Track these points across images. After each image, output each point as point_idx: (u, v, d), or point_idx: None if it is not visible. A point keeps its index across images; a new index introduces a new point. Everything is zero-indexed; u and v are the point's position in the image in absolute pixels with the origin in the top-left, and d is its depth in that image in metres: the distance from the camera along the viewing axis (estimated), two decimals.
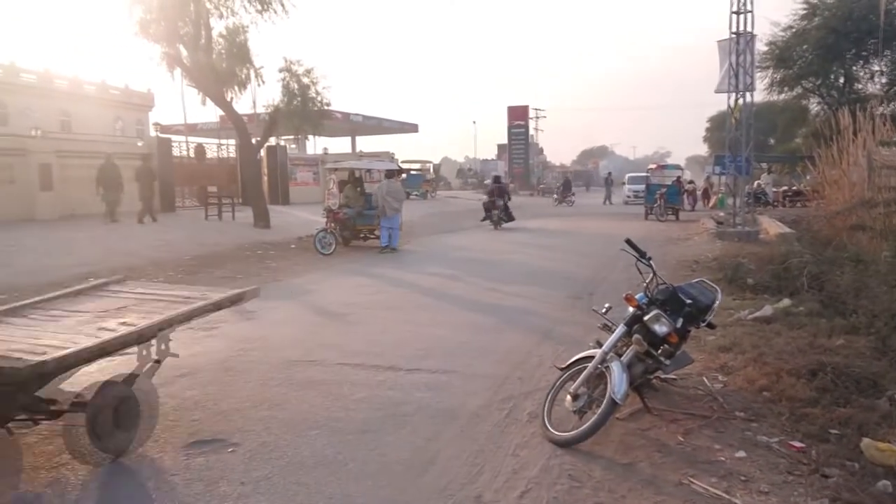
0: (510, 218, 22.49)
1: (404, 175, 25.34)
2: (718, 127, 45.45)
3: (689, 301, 4.61)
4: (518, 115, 63.30)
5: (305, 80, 19.57)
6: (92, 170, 19.85)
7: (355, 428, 4.53)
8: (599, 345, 4.69)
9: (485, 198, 23.68)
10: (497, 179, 25.13)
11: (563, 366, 4.83)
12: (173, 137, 25.06)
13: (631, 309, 4.61)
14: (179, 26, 17.57)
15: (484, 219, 22.66)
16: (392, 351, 6.57)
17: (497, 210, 22.15)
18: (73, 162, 19.33)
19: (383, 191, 15.66)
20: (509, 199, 23.08)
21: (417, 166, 43.47)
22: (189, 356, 6.40)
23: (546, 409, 4.60)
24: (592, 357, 4.55)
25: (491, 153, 76.80)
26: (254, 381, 5.59)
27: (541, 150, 74.29)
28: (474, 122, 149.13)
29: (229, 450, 4.18)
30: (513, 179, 59.14)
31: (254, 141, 20.18)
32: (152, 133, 34.31)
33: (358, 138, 47.16)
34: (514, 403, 5.08)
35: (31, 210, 17.59)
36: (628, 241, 4.90)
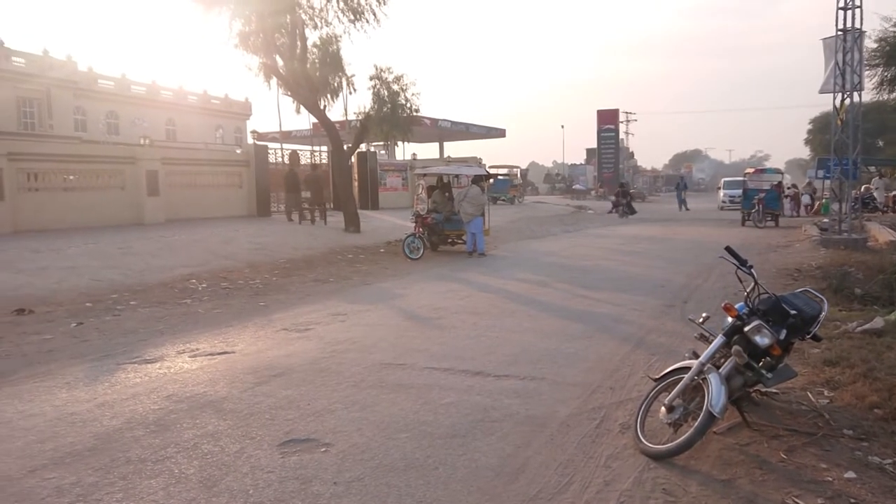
0: (633, 211, 31.41)
1: (492, 180, 25.30)
2: (822, 129, 43.28)
3: (793, 312, 4.39)
4: (608, 119, 62.27)
5: (395, 87, 19.88)
6: (194, 176, 20.91)
7: (444, 432, 4.55)
8: (696, 355, 4.53)
9: (574, 202, 25.00)
10: (623, 185, 34.84)
11: (657, 376, 4.69)
12: (269, 144, 25.96)
13: (730, 319, 4.43)
14: (276, 38, 18.22)
15: (611, 211, 32.46)
16: (480, 356, 6.57)
17: (622, 206, 31.28)
18: (177, 168, 20.35)
19: (461, 196, 15.74)
20: (632, 198, 32.65)
21: (505, 171, 43.38)
22: (283, 356, 6.62)
23: (639, 420, 4.48)
24: (688, 368, 4.40)
25: (579, 158, 75.87)
26: (345, 382, 5.70)
27: (631, 154, 72.81)
28: (562, 127, 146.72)
29: (322, 449, 4.27)
30: (601, 184, 58.22)
31: (345, 147, 20.66)
32: (250, 140, 35.64)
33: (446, 143, 47.54)
34: (605, 413, 4.98)
35: (140, 214, 18.61)
36: (728, 249, 4.72)
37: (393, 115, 19.83)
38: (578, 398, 5.30)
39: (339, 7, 17.94)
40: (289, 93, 20.02)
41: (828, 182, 22.38)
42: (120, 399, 5.33)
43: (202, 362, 6.51)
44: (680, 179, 43.22)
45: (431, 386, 5.58)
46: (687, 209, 35.70)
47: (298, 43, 18.52)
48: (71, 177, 17.94)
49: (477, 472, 3.95)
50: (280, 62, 18.88)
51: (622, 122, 65.69)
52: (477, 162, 34.70)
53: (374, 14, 18.13)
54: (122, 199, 18.57)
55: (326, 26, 18.51)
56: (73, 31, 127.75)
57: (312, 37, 19.07)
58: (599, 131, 62.14)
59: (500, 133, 47.17)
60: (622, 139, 65.81)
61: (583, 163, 69.58)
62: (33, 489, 3.74)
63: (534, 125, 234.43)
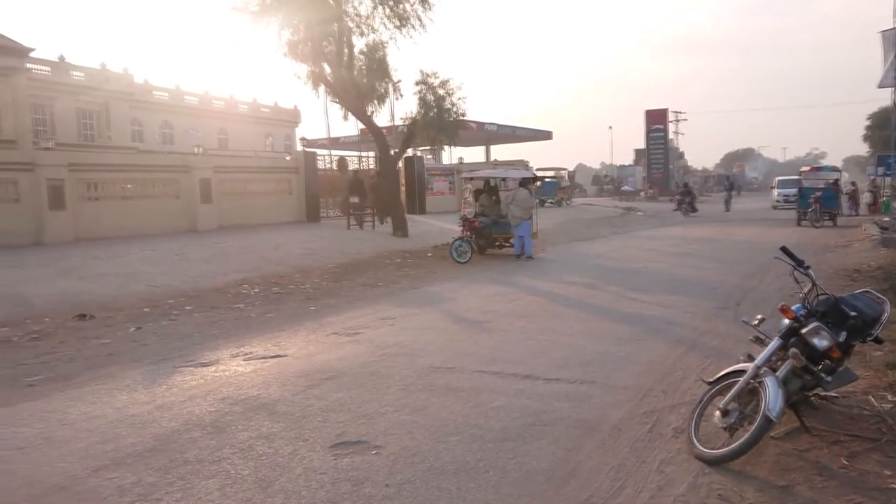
0: (694, 209, 32.50)
1: (539, 183, 25.19)
2: (881, 125, 41.86)
3: (853, 313, 4.25)
4: (657, 119, 61.40)
5: (441, 92, 19.93)
6: (245, 183, 21.35)
7: (495, 436, 4.54)
8: (751, 358, 4.43)
9: (623, 203, 24.50)
10: (686, 184, 37.16)
11: (711, 380, 4.60)
12: (318, 151, 26.34)
13: (787, 321, 4.32)
14: (324, 46, 18.47)
15: (675, 209, 33.48)
16: (530, 360, 6.54)
17: (685, 204, 32.58)
18: (228, 176, 20.81)
19: (509, 199, 15.71)
20: (694, 197, 34.17)
21: (552, 174, 43.10)
22: (334, 360, 6.71)
23: (693, 424, 4.40)
24: (743, 371, 4.30)
25: (628, 159, 74.94)
26: (395, 385, 5.74)
27: (681, 155, 71.58)
28: (610, 128, 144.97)
29: (373, 452, 4.31)
30: (651, 185, 57.39)
31: (392, 152, 20.82)
32: (299, 147, 36.21)
33: (492, 147, 47.48)
34: (658, 417, 4.91)
35: (194, 222, 19.07)
36: (784, 249, 4.60)
37: (439, 120, 19.89)
38: (630, 402, 5.24)
39: (385, 14, 18.10)
40: (336, 100, 20.26)
41: (888, 179, 21.64)
42: (177, 401, 5.48)
43: (255, 366, 6.64)
44: (726, 179, 42.27)
45: (481, 389, 5.58)
46: (727, 210, 34.82)
47: (345, 50, 18.74)
48: (128, 186, 18.51)
49: (528, 475, 3.93)
50: (328, 70, 19.13)
51: (671, 122, 64.68)
52: (524, 165, 34.61)
53: (420, 20, 18.24)
54: (177, 206, 19.06)
55: (373, 33, 18.70)
56: (130, 45, 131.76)
57: (359, 44, 19.27)
58: (648, 131, 61.33)
59: (546, 135, 46.90)
60: (671, 139, 64.77)
61: (631, 164, 68.68)
62: (96, 488, 3.86)
63: (581, 127, 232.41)
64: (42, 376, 6.51)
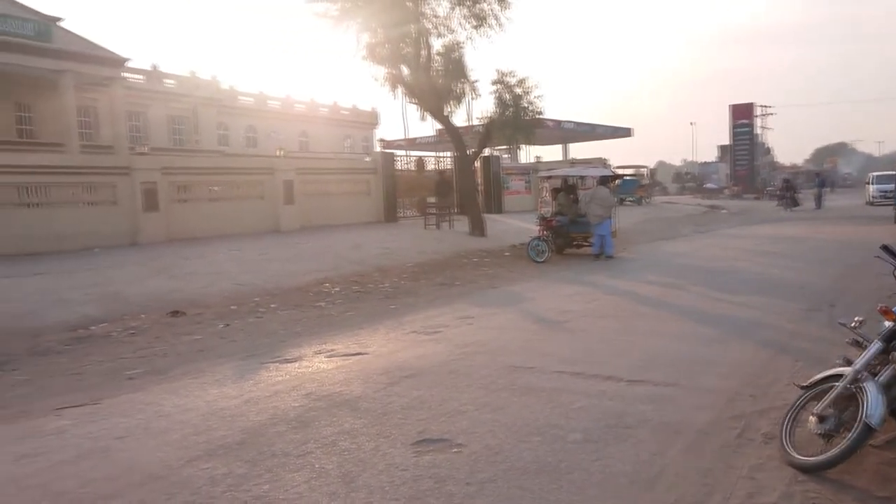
0: (796, 203, 33.75)
1: (618, 181, 24.74)
2: None
3: None
4: (742, 114, 59.30)
5: (518, 91, 19.84)
6: (325, 184, 21.84)
7: (577, 437, 4.49)
8: (847, 362, 4.22)
9: (706, 201, 24.36)
10: (787, 180, 37.74)
11: (805, 384, 4.41)
12: (396, 152, 26.67)
13: (888, 323, 4.09)
14: (401, 47, 18.69)
15: (778, 204, 35.00)
16: (611, 360, 6.43)
17: (787, 198, 33.93)
18: (309, 178, 21.33)
19: (588, 197, 15.49)
20: (796, 191, 35.35)
21: (631, 171, 42.28)
22: (414, 358, 6.77)
23: (786, 430, 4.22)
24: (840, 376, 4.10)
25: (711, 155, 72.66)
26: (475, 384, 5.76)
27: (768, 150, 68.85)
28: (692, 124, 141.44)
29: (454, 450, 4.33)
30: (735, 182, 55.52)
31: (469, 152, 20.88)
32: (377, 148, 36.77)
33: (570, 145, 46.96)
34: (747, 422, 4.74)
35: (277, 222, 19.65)
36: (884, 247, 4.37)
37: (516, 119, 19.81)
38: (716, 405, 5.08)
39: (462, 14, 18.19)
40: (414, 101, 20.48)
41: None
42: (264, 396, 5.65)
43: (338, 362, 6.78)
44: (816, 176, 40.49)
45: (562, 390, 5.53)
46: (818, 207, 33.32)
47: (423, 52, 18.91)
48: (215, 188, 19.23)
49: (611, 478, 3.87)
50: (405, 71, 19.35)
51: (757, 117, 62.22)
52: (602, 163, 34.05)
53: (498, 19, 18.24)
54: (261, 207, 19.68)
55: (450, 34, 18.81)
56: (217, 52, 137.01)
57: (436, 45, 19.43)
58: (733, 127, 59.34)
59: (626, 132, 46.03)
60: (758, 134, 62.35)
61: (715, 160, 66.57)
62: (190, 478, 4.03)
63: (662, 123, 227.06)
64: (140, 370, 6.85)
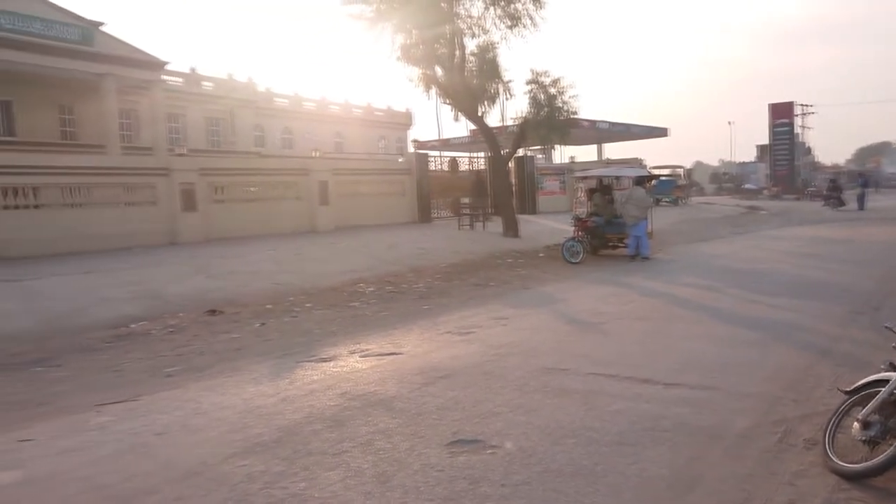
0: (842, 203, 33.47)
1: (654, 182, 24.45)
2: None
3: None
4: (782, 113, 58.13)
5: (552, 91, 19.74)
6: (360, 185, 21.99)
7: (612, 440, 4.45)
8: (893, 367, 4.11)
9: (745, 202, 23.96)
10: (833, 180, 37.52)
11: (849, 389, 4.30)
12: (429, 153, 26.73)
13: None
14: (436, 48, 18.72)
15: (824, 204, 34.58)
16: (647, 363, 6.36)
17: (833, 199, 33.90)
18: (344, 178, 21.50)
19: (624, 198, 15.34)
20: (842, 191, 35.11)
21: (668, 172, 41.75)
22: (448, 358, 6.77)
23: (828, 435, 4.13)
24: (886, 381, 3.99)
25: (749, 155, 71.43)
26: (509, 385, 5.73)
27: (808, 150, 67.42)
28: (730, 123, 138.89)
29: (488, 451, 4.32)
30: (775, 183, 54.51)
31: (503, 152, 20.83)
32: (411, 149, 36.88)
33: (605, 145, 46.56)
34: (788, 427, 4.64)
35: (312, 223, 19.84)
36: None
37: (550, 119, 19.71)
38: (756, 410, 4.99)
39: (496, 14, 18.16)
40: (448, 101, 20.50)
41: None
42: (300, 395, 5.70)
43: (372, 362, 6.81)
44: (859, 176, 39.56)
45: (597, 392, 5.48)
46: (861, 208, 32.46)
47: (457, 52, 18.92)
48: (252, 188, 19.50)
49: (648, 482, 3.82)
50: (439, 72, 19.38)
51: (798, 116, 60.95)
52: (638, 163, 33.73)
53: (532, 19, 18.17)
54: (297, 208, 19.89)
55: (484, 34, 18.79)
56: (254, 54, 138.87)
57: (470, 45, 19.43)
58: (772, 126, 58.19)
59: (662, 132, 45.45)
60: (798, 134, 61.09)
61: (754, 160, 65.40)
62: (228, 475, 4.08)
63: (698, 123, 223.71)
64: (179, 367, 6.97)
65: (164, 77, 33.55)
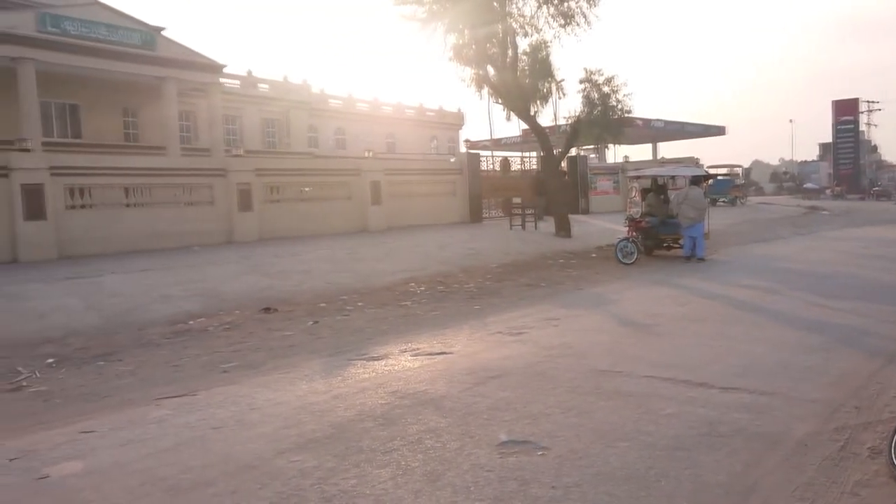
0: None
1: (710, 181, 23.94)
2: None
3: None
4: (846, 110, 56.30)
5: (606, 90, 19.52)
6: (412, 185, 22.11)
7: (666, 444, 4.36)
8: None
9: (806, 202, 23.29)
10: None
11: None
12: (481, 152, 26.70)
13: None
14: (488, 48, 18.71)
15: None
16: (703, 366, 6.21)
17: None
18: (396, 179, 21.65)
19: (679, 198, 15.03)
20: None
21: (725, 171, 40.83)
22: (498, 359, 6.75)
23: (893, 445, 3.97)
24: None
25: (811, 154, 69.29)
26: (561, 387, 5.68)
27: (874, 148, 65.09)
28: (791, 121, 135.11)
29: (539, 453, 4.28)
30: (838, 182, 52.79)
31: (555, 152, 20.67)
32: (462, 149, 36.90)
33: (659, 144, 45.81)
34: (851, 435, 4.48)
35: (364, 222, 20.04)
36: None
37: (603, 118, 19.49)
38: (818, 416, 4.82)
39: (549, 13, 18.03)
40: (500, 101, 20.45)
41: None
42: (351, 392, 5.76)
43: (423, 361, 6.83)
44: None
45: (651, 395, 5.38)
46: None
47: (509, 51, 18.86)
48: (306, 189, 19.79)
49: (703, 488, 3.73)
50: (491, 71, 19.35)
51: (863, 113, 58.90)
52: (694, 162, 33.06)
53: (585, 17, 17.99)
54: (349, 208, 20.12)
55: (536, 33, 18.70)
56: (308, 56, 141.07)
57: (522, 44, 19.36)
58: (835, 124, 56.41)
59: (718, 131, 44.49)
60: (863, 131, 59.02)
61: (815, 159, 63.45)
62: (282, 469, 4.15)
63: (757, 121, 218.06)
64: (234, 363, 7.12)
65: (222, 80, 34.32)
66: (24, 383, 6.66)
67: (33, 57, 25.72)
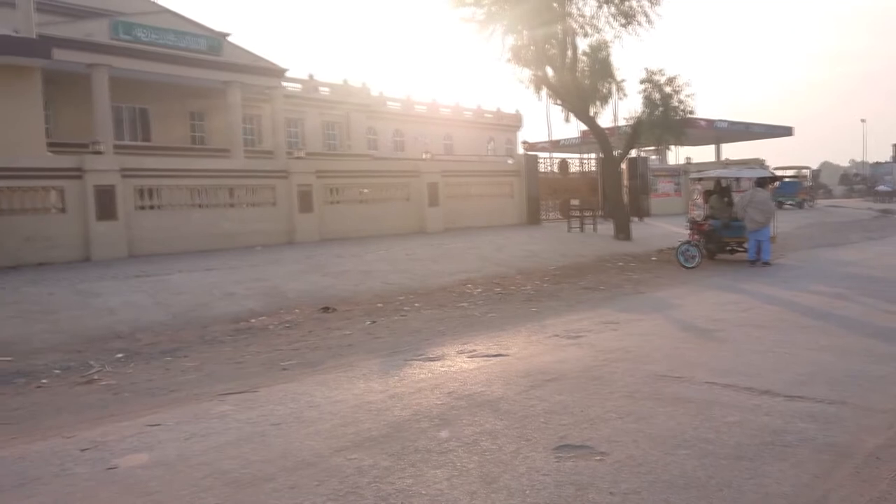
0: None
1: (777, 183, 23.22)
2: None
3: None
4: None
5: (667, 90, 19.17)
6: (469, 186, 22.11)
7: (728, 453, 4.25)
8: None
9: (878, 205, 22.33)
10: None
11: None
12: (539, 154, 26.55)
13: None
14: (547, 49, 18.60)
15: None
16: (767, 374, 6.03)
17: None
18: (453, 180, 21.71)
19: (745, 201, 14.60)
20: None
21: (792, 173, 39.55)
22: (556, 362, 6.70)
23: None
24: None
25: (884, 155, 66.52)
26: (619, 391, 5.60)
27: None
28: (863, 121, 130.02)
29: (597, 458, 4.23)
30: None
31: (615, 153, 20.40)
32: (520, 151, 36.75)
33: (723, 145, 44.71)
34: None
35: (422, 224, 20.16)
36: None
37: (665, 119, 19.14)
38: (890, 428, 4.63)
39: (609, 12, 17.82)
40: (559, 102, 20.31)
41: None
42: (408, 392, 5.80)
43: (479, 363, 6.83)
44: None
45: (712, 402, 5.25)
46: None
47: (569, 52, 18.72)
48: (365, 190, 20.03)
49: (767, 499, 3.62)
50: (550, 72, 19.24)
51: None
52: (759, 164, 32.14)
53: (647, 16, 17.74)
54: (407, 209, 20.28)
55: (596, 33, 18.51)
56: (368, 59, 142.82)
57: (582, 45, 19.18)
58: None
59: (785, 131, 43.14)
60: None
61: (889, 160, 60.85)
62: (339, 467, 4.21)
63: (827, 121, 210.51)
64: (294, 361, 7.26)
65: (284, 83, 35.07)
66: (96, 376, 6.94)
67: (107, 63, 26.81)
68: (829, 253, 17.14)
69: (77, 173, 14.54)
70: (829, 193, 54.42)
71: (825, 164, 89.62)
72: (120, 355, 7.84)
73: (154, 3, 30.76)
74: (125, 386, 6.56)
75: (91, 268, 13.05)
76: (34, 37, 18.27)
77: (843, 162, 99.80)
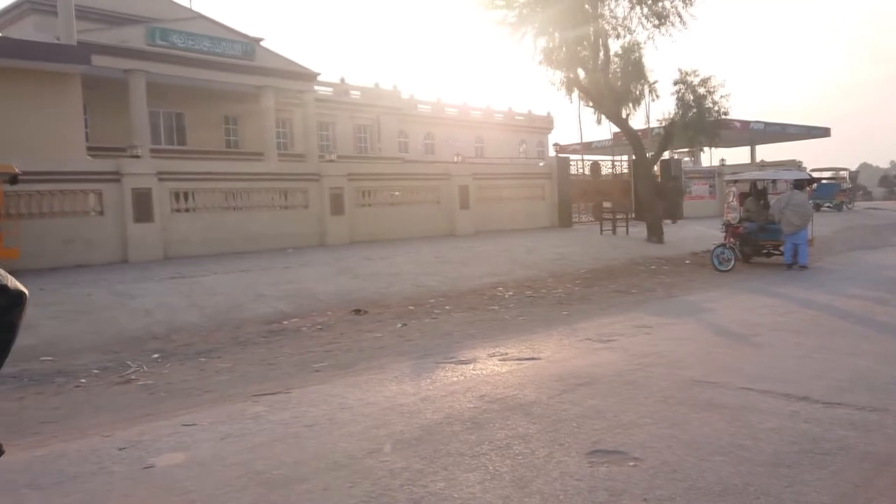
0: None
1: (814, 185, 22.78)
2: None
3: None
4: None
5: (701, 91, 18.97)
6: (500, 189, 22.08)
7: (765, 460, 4.17)
8: None
9: None
10: None
11: None
12: (570, 156, 26.40)
13: None
14: (578, 50, 18.50)
15: None
16: (805, 380, 5.91)
17: None
18: (484, 183, 21.69)
19: (782, 203, 14.33)
20: None
21: (830, 175, 38.77)
22: (588, 366, 6.65)
23: None
24: None
25: None
26: (653, 396, 5.53)
27: None
28: None
29: (631, 463, 4.19)
30: None
31: (648, 155, 20.21)
32: (552, 153, 36.59)
33: (758, 147, 44.02)
34: None
35: (453, 226, 20.18)
36: None
37: (699, 120, 18.94)
38: None
39: (642, 13, 17.68)
40: (591, 104, 20.19)
41: None
42: (440, 395, 5.80)
43: (511, 366, 6.81)
44: None
45: (748, 408, 5.16)
46: None
47: (601, 54, 18.60)
48: (395, 193, 20.12)
49: None
50: (582, 74, 19.13)
51: None
52: (796, 165, 31.60)
53: (681, 16, 17.55)
54: (438, 212, 20.31)
55: (629, 34, 18.37)
56: (398, 62, 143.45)
57: (614, 46, 19.05)
58: None
59: (823, 132, 42.35)
60: None
61: None
62: (371, 469, 4.22)
63: (866, 121, 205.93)
64: (326, 363, 7.31)
65: (316, 87, 35.38)
66: (133, 377, 7.07)
67: (144, 69, 27.33)
68: (869, 256, 16.77)
69: (115, 177, 14.84)
70: (868, 195, 53.24)
71: (864, 166, 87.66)
72: (156, 356, 7.97)
73: (189, 9, 31.31)
74: (161, 386, 6.67)
75: (128, 269, 13.29)
76: (75, 44, 18.70)
77: (883, 163, 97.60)
